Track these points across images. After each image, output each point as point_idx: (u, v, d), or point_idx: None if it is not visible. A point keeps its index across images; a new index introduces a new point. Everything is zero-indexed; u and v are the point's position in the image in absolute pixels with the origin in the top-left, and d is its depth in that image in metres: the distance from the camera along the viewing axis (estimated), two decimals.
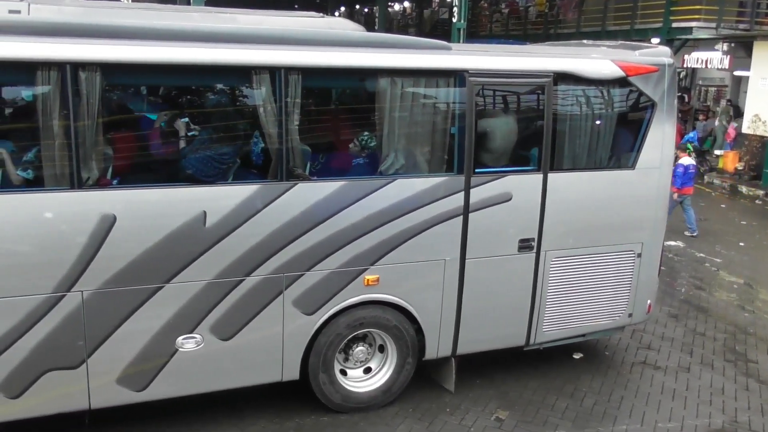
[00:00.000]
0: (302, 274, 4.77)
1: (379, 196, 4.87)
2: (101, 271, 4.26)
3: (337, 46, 4.75)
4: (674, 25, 19.55)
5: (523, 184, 5.34)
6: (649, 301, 6.05)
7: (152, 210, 4.38)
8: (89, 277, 4.24)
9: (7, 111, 4.64)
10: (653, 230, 5.91)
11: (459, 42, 17.86)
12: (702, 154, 17.53)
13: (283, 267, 4.69)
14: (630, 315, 5.98)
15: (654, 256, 5.96)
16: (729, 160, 17.08)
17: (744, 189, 15.68)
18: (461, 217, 5.13)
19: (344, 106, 5.81)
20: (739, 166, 16.77)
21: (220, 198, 4.52)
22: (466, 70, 5.02)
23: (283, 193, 4.62)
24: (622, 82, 5.53)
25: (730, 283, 9.15)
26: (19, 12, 4.34)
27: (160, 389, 4.62)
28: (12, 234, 4.09)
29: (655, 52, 5.79)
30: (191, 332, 4.58)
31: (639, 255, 5.83)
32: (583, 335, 6.01)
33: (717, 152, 18.11)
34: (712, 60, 19.63)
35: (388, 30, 31.40)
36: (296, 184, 4.65)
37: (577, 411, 5.53)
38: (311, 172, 4.92)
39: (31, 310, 4.17)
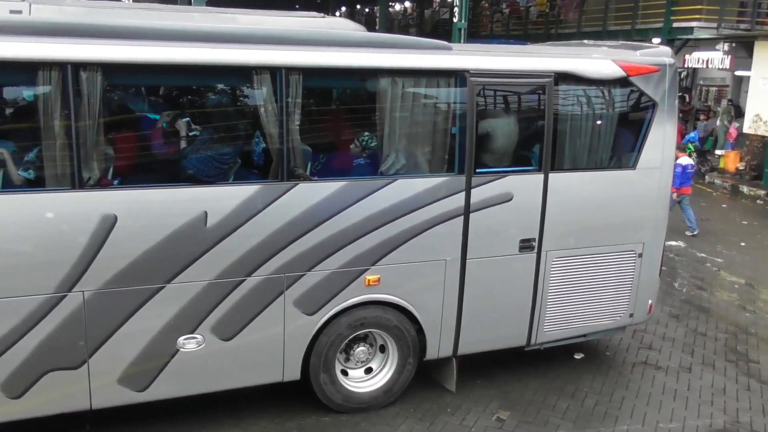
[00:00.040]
0: (303, 275, 4.77)
1: (380, 196, 4.87)
2: (102, 271, 4.26)
3: (338, 46, 4.75)
4: (675, 25, 19.55)
5: (524, 184, 5.34)
6: (650, 301, 6.05)
7: (153, 210, 4.38)
8: (90, 277, 4.24)
9: (9, 111, 4.64)
10: (654, 230, 5.90)
11: (460, 42, 17.86)
12: (703, 154, 17.52)
13: (284, 267, 4.69)
14: (631, 315, 5.98)
15: (655, 256, 5.96)
16: (730, 160, 17.07)
17: (745, 189, 15.67)
18: (462, 217, 5.13)
19: (345, 106, 5.81)
20: (740, 166, 16.76)
21: (221, 198, 4.52)
22: (467, 70, 5.02)
23: (284, 194, 4.62)
24: (623, 82, 5.53)
25: (731, 283, 9.14)
26: (20, 12, 4.35)
27: (162, 389, 4.62)
28: (13, 234, 4.10)
29: (656, 52, 5.79)
30: (192, 332, 4.58)
31: (640, 255, 5.82)
32: (584, 335, 6.01)
33: (718, 152, 18.10)
34: (713, 60, 19.62)
35: (389, 30, 31.41)
36: (297, 184, 4.66)
37: (578, 411, 5.52)
38: (312, 172, 4.92)
39: (32, 311, 4.18)
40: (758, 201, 14.86)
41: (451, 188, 5.07)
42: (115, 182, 4.49)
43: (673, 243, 10.44)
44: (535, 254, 5.45)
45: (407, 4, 42.93)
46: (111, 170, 4.49)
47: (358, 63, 4.78)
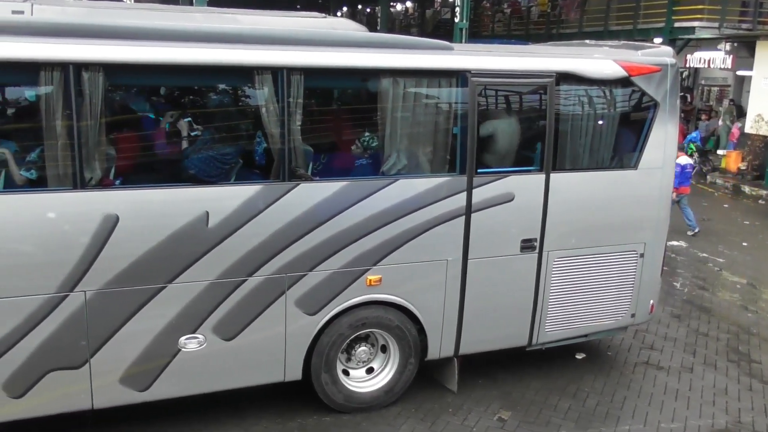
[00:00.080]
0: (305, 275, 4.77)
1: (382, 196, 4.87)
2: (104, 271, 4.27)
3: (340, 46, 4.76)
4: (677, 24, 19.54)
5: (525, 185, 5.33)
6: (651, 302, 6.04)
7: (155, 210, 4.38)
8: (92, 277, 4.24)
9: (11, 111, 4.65)
10: (656, 230, 5.90)
11: (461, 42, 17.86)
12: (705, 153, 17.50)
13: (285, 267, 4.69)
14: (633, 315, 5.97)
15: (657, 257, 5.95)
16: (732, 160, 17.05)
17: (747, 189, 15.64)
18: (463, 217, 5.13)
19: (346, 106, 5.82)
20: (742, 166, 16.74)
21: (223, 198, 4.53)
22: (469, 71, 5.01)
23: (286, 194, 4.62)
24: (624, 82, 5.52)
25: (733, 283, 9.13)
26: (22, 12, 4.35)
27: (163, 389, 4.62)
28: (15, 234, 4.10)
29: (658, 52, 5.78)
30: (194, 332, 4.58)
31: (642, 255, 5.82)
32: (586, 335, 6.01)
33: (720, 152, 18.08)
34: (715, 60, 19.61)
35: (391, 30, 31.43)
36: (298, 184, 4.66)
37: (579, 411, 5.52)
38: (313, 172, 4.92)
39: (34, 310, 4.18)
40: (760, 201, 14.83)
41: (453, 188, 5.07)
42: (117, 182, 4.50)
43: (675, 243, 10.44)
44: (537, 254, 5.45)
45: (408, 4, 42.93)
46: (113, 170, 4.50)
47: (359, 63, 4.78)
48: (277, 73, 4.50)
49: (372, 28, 25.92)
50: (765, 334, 7.34)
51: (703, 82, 23.30)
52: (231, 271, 4.57)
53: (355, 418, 5.20)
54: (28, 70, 4.09)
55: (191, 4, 16.09)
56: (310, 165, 4.92)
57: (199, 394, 4.82)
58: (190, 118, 4.80)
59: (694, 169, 16.71)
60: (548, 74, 5.27)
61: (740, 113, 18.65)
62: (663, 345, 6.83)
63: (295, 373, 4.98)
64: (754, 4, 19.41)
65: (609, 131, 5.66)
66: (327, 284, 4.86)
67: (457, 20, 19.85)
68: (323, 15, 5.61)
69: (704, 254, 10.24)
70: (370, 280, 4.96)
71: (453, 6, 21.09)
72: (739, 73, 19.64)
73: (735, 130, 17.74)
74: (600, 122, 5.62)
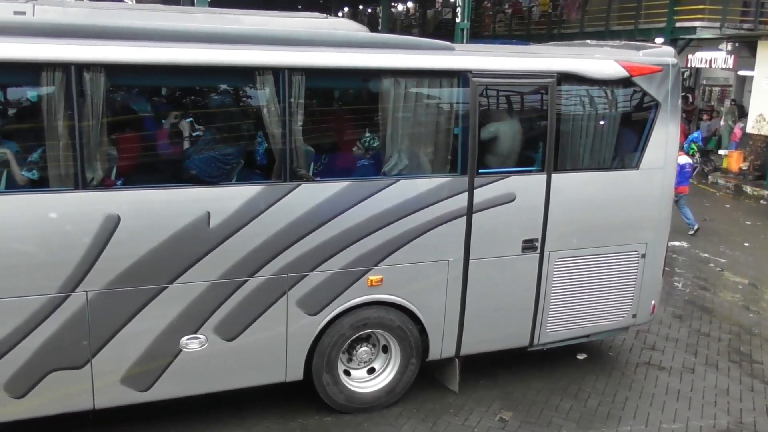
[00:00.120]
0: (306, 275, 4.77)
1: (383, 196, 4.87)
2: (106, 271, 4.27)
3: (341, 46, 4.76)
4: (678, 24, 19.52)
5: (526, 185, 5.33)
6: (653, 302, 6.04)
7: (156, 210, 4.39)
8: (94, 277, 4.25)
9: (12, 112, 4.66)
10: (657, 230, 5.90)
11: (462, 42, 17.85)
12: (706, 154, 17.48)
13: (286, 267, 4.70)
14: (634, 315, 5.97)
15: (658, 257, 5.95)
16: (733, 160, 17.03)
17: (748, 189, 15.62)
18: (465, 217, 5.13)
19: (348, 106, 5.82)
20: (744, 166, 16.72)
21: (224, 198, 4.53)
22: (470, 71, 5.01)
23: (287, 194, 4.62)
24: (625, 82, 5.52)
25: (734, 283, 9.12)
26: (24, 13, 4.36)
27: (164, 389, 4.63)
28: (17, 234, 4.11)
29: (659, 52, 5.78)
30: (195, 332, 4.59)
31: (643, 255, 5.81)
32: (587, 336, 6.00)
33: (722, 152, 18.06)
34: (716, 60, 19.59)
35: (392, 30, 31.45)
36: (300, 184, 4.66)
37: (581, 412, 5.52)
38: (315, 172, 4.92)
39: (35, 311, 4.19)
40: (762, 201, 14.81)
41: (454, 189, 5.07)
42: (119, 182, 4.50)
43: (676, 243, 10.43)
44: (538, 255, 5.44)
45: (410, 4, 42.95)
46: (114, 170, 4.50)
47: (360, 63, 4.78)
48: (278, 73, 4.51)
49: (373, 28, 25.93)
50: (767, 334, 7.33)
51: (704, 82, 23.28)
52: (232, 272, 4.57)
53: (357, 418, 5.21)
54: (29, 71, 4.10)
55: (193, 4, 16.11)
56: (312, 165, 4.92)
57: (201, 394, 4.82)
58: (191, 119, 4.80)
59: (695, 170, 16.74)
60: (549, 74, 5.27)
61: (742, 113, 18.62)
62: (664, 345, 6.82)
63: (296, 374, 4.98)
64: (755, 4, 19.39)
65: (610, 131, 5.66)
66: (328, 284, 4.86)
67: (458, 20, 19.84)
68: (324, 15, 5.61)
69: (706, 254, 10.23)
70: (372, 281, 4.96)
71: (454, 6, 21.08)
72: (741, 73, 19.61)
73: (737, 131, 17.71)
74: (601, 122, 5.62)
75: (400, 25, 40.34)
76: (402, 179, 4.96)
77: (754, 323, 7.62)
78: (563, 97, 5.40)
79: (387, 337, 5.26)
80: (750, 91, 17.50)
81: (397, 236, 4.94)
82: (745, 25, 19.07)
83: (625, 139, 5.75)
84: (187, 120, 4.79)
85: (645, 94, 5.62)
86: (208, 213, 4.44)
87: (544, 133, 5.34)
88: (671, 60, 5.67)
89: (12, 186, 4.21)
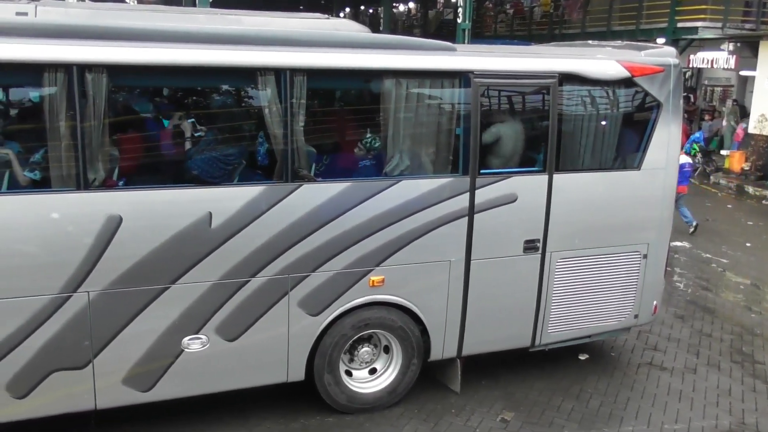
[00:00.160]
0: (307, 275, 4.77)
1: (384, 197, 4.87)
2: (107, 271, 4.28)
3: (342, 47, 4.76)
4: (679, 25, 19.51)
5: (528, 185, 5.33)
6: (655, 302, 6.03)
7: (158, 211, 4.39)
8: (95, 277, 4.25)
9: (14, 112, 4.67)
10: (659, 231, 5.89)
11: (464, 43, 17.86)
12: (708, 154, 17.46)
13: (288, 268, 4.70)
14: (636, 316, 5.96)
15: (660, 257, 5.94)
16: (735, 160, 17.01)
17: (750, 189, 15.60)
18: (466, 218, 5.13)
19: (349, 107, 5.82)
20: (746, 166, 16.70)
21: (226, 199, 4.53)
22: (471, 71, 5.01)
23: (289, 194, 4.62)
24: (627, 82, 5.52)
25: (736, 283, 9.11)
26: (26, 14, 4.37)
27: (166, 390, 4.63)
28: (19, 235, 4.11)
29: (661, 53, 5.77)
30: (197, 333, 4.59)
31: (645, 256, 5.81)
32: (589, 336, 6.00)
33: (724, 152, 18.05)
34: (718, 60, 19.56)
35: (393, 31, 31.46)
36: (301, 185, 4.66)
37: (582, 412, 5.51)
38: (316, 173, 4.93)
39: (37, 311, 4.19)
40: (764, 201, 14.79)
41: (456, 189, 5.07)
42: (120, 183, 4.51)
43: (678, 243, 10.41)
44: (540, 255, 5.44)
45: (411, 4, 42.95)
46: (116, 171, 4.51)
47: (362, 64, 4.78)
48: (280, 74, 4.51)
49: (375, 28, 25.94)
50: None
51: (706, 82, 23.25)
52: (234, 272, 4.57)
53: (358, 418, 5.21)
54: (32, 72, 4.10)
55: (194, 5, 16.13)
56: (313, 166, 4.92)
57: (202, 394, 4.83)
58: (193, 119, 4.81)
59: (697, 170, 16.72)
60: (551, 75, 5.27)
61: (743, 113, 18.60)
62: (666, 346, 6.82)
63: (298, 374, 4.98)
64: (757, 4, 19.36)
65: (612, 132, 5.65)
66: (330, 285, 4.86)
67: (459, 21, 19.85)
68: (326, 16, 5.62)
69: (707, 255, 10.22)
70: (373, 281, 4.96)
71: (456, 7, 21.09)
72: (743, 73, 19.59)
73: (740, 131, 17.69)
74: (603, 123, 5.61)
75: (401, 25, 40.35)
76: (403, 180, 4.96)
77: (756, 324, 7.61)
78: (565, 98, 5.40)
79: (388, 337, 5.26)
80: (752, 92, 17.49)
81: (398, 237, 4.94)
82: (747, 26, 19.05)
83: (626, 139, 5.74)
84: (189, 120, 4.80)
85: (647, 94, 5.62)
86: (210, 213, 4.44)
87: (546, 134, 5.34)
88: (673, 60, 5.66)
89: (14, 186, 4.22)
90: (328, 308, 4.90)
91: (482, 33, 29.76)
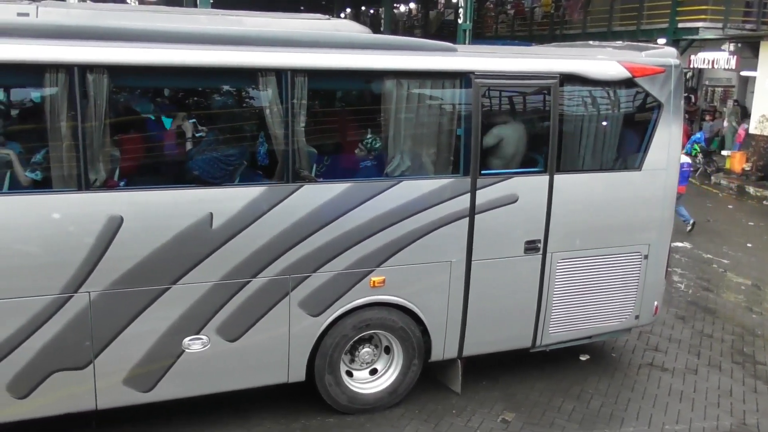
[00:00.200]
0: (308, 276, 4.77)
1: (385, 197, 4.87)
2: (108, 272, 4.28)
3: (343, 48, 4.76)
4: (680, 25, 19.51)
5: (529, 186, 5.33)
6: (656, 303, 6.03)
7: (159, 211, 4.39)
8: (96, 278, 4.26)
9: (16, 113, 4.67)
10: (660, 231, 5.89)
11: (464, 43, 17.86)
12: (709, 154, 17.45)
13: (289, 268, 4.70)
14: (637, 317, 5.96)
15: (661, 258, 5.94)
16: (736, 160, 16.99)
17: (751, 190, 15.59)
18: (467, 218, 5.13)
19: (350, 107, 5.82)
20: (747, 166, 16.69)
21: (227, 199, 4.53)
22: (472, 72, 5.01)
23: (290, 195, 4.62)
24: (628, 83, 5.52)
25: (737, 284, 9.10)
26: (27, 15, 4.38)
27: (167, 390, 4.63)
28: (20, 235, 4.12)
29: (662, 53, 5.77)
30: (198, 333, 4.59)
31: (646, 256, 5.81)
32: (590, 337, 6.00)
33: (725, 153, 18.04)
34: (719, 60, 19.55)
35: (394, 31, 31.47)
36: (302, 185, 4.66)
37: (583, 413, 5.51)
38: (317, 173, 4.93)
39: (38, 311, 4.19)
40: (765, 202, 14.79)
41: (457, 190, 5.07)
42: (121, 184, 4.51)
43: (679, 244, 10.41)
44: (541, 256, 5.44)
45: (412, 5, 42.96)
46: (117, 172, 4.51)
47: (363, 65, 4.78)
48: (281, 74, 4.51)
49: (375, 29, 25.95)
50: None
51: (707, 82, 23.24)
52: (235, 273, 4.58)
53: (359, 419, 5.21)
54: (33, 72, 4.10)
55: (195, 6, 16.14)
56: (314, 166, 4.92)
57: (203, 395, 4.83)
58: (194, 120, 4.81)
59: (698, 171, 16.72)
60: (552, 75, 5.27)
61: (744, 114, 18.59)
62: (667, 346, 6.81)
63: (298, 375, 4.98)
64: (758, 4, 19.36)
65: (613, 132, 5.65)
66: (331, 286, 4.86)
67: (460, 21, 19.87)
68: (327, 17, 5.62)
69: (708, 255, 10.21)
70: (374, 282, 4.96)
71: (456, 7, 21.10)
72: (744, 73, 19.58)
73: (741, 132, 17.67)
74: (604, 123, 5.61)
75: (402, 26, 40.36)
76: (404, 180, 4.96)
77: (757, 324, 7.60)
78: (566, 98, 5.40)
79: (389, 338, 5.26)
80: (753, 92, 17.48)
81: (399, 237, 4.94)
82: (748, 26, 19.05)
83: (627, 140, 5.74)
84: (190, 121, 4.80)
85: (647, 95, 5.62)
86: (211, 214, 4.45)
87: (547, 134, 5.34)
88: (674, 61, 5.66)
89: (15, 187, 4.22)
90: (329, 309, 4.90)
91: (483, 34, 29.77)
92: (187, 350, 4.59)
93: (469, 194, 5.10)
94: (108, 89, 4.16)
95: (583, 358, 6.43)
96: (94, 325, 4.33)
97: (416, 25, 40.12)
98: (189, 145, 4.80)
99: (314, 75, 4.62)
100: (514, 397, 5.67)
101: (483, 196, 5.13)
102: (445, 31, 30.76)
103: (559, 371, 6.12)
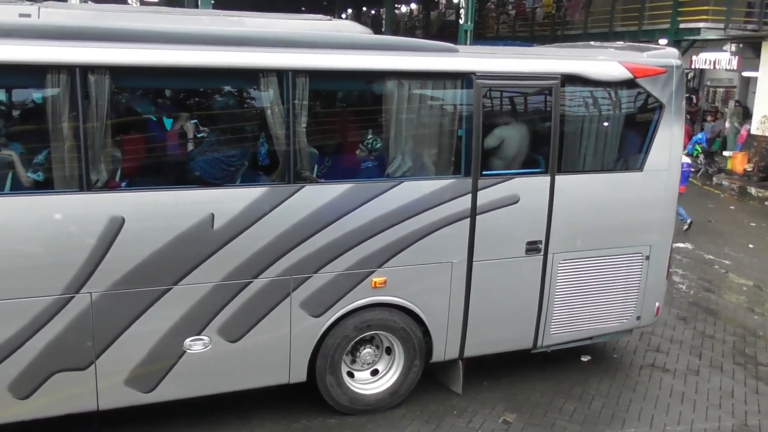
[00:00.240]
0: (310, 277, 4.78)
1: (387, 198, 4.87)
2: (110, 272, 4.28)
3: (345, 48, 4.76)
4: (682, 26, 19.49)
5: (530, 187, 5.33)
6: (657, 304, 6.02)
7: (161, 212, 4.39)
8: (98, 278, 4.26)
9: (18, 113, 4.68)
10: (661, 232, 5.88)
11: (466, 44, 17.86)
12: (710, 155, 17.44)
13: (290, 269, 4.70)
14: (638, 318, 5.95)
15: (662, 259, 5.93)
16: (737, 161, 16.99)
17: (753, 190, 15.58)
18: (468, 219, 5.13)
19: (351, 108, 5.82)
20: (748, 167, 16.68)
21: (228, 200, 4.54)
22: (474, 73, 5.01)
23: (291, 196, 4.62)
24: (629, 83, 5.51)
25: (739, 285, 9.09)
26: (29, 16, 4.38)
27: (168, 391, 4.63)
28: (22, 235, 4.12)
29: (663, 54, 5.77)
30: (199, 334, 4.59)
31: (647, 257, 5.80)
32: (591, 338, 5.99)
33: (726, 153, 18.03)
34: (720, 61, 19.55)
35: (395, 32, 31.48)
36: (304, 186, 4.66)
37: (585, 414, 5.50)
38: (319, 174, 4.93)
39: (40, 312, 4.20)
40: (766, 203, 14.77)
41: (458, 190, 5.07)
42: (123, 184, 4.52)
43: (681, 245, 10.40)
44: (542, 256, 5.43)
45: (413, 6, 42.97)
46: (119, 172, 4.51)
47: (364, 65, 4.79)
48: (282, 75, 4.51)
49: (377, 29, 25.95)
50: None
51: (708, 83, 23.24)
52: (236, 273, 4.58)
53: (360, 420, 5.20)
54: (35, 73, 4.11)
55: (196, 6, 16.15)
56: (316, 167, 4.92)
57: (204, 395, 4.83)
58: (195, 121, 4.82)
59: (700, 171, 16.70)
60: (553, 76, 5.27)
61: (746, 114, 18.58)
62: (669, 347, 6.80)
63: (299, 375, 4.98)
64: (759, 4, 19.33)
65: (614, 133, 5.65)
66: (332, 286, 4.86)
67: (461, 22, 19.87)
68: (328, 17, 5.62)
69: (710, 256, 10.20)
70: (375, 282, 4.96)
71: (458, 8, 21.11)
72: (745, 74, 19.58)
73: (744, 132, 17.66)
74: (605, 124, 5.61)
75: (403, 26, 40.37)
76: (406, 181, 4.96)
77: (759, 325, 7.59)
78: (567, 99, 5.40)
79: (390, 338, 5.26)
80: (754, 92, 17.48)
81: (400, 238, 4.94)
82: (749, 26, 19.02)
83: (629, 140, 5.74)
84: (192, 122, 4.80)
85: (649, 95, 5.62)
86: (212, 215, 4.45)
87: (548, 135, 5.34)
88: (675, 61, 5.66)
89: (17, 187, 4.23)
90: (330, 309, 4.90)
91: (484, 34, 29.77)
92: (188, 351, 4.59)
93: (470, 195, 5.09)
94: (109, 90, 4.16)
95: (584, 359, 6.43)
96: (96, 326, 4.33)
97: (417, 25, 40.13)
98: (190, 146, 4.80)
99: (315, 76, 4.63)
100: (515, 397, 5.67)
101: (484, 196, 5.13)
102: (447, 32, 30.75)
103: (560, 372, 6.11)
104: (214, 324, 4.61)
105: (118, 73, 4.21)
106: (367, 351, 5.28)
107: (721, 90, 22.59)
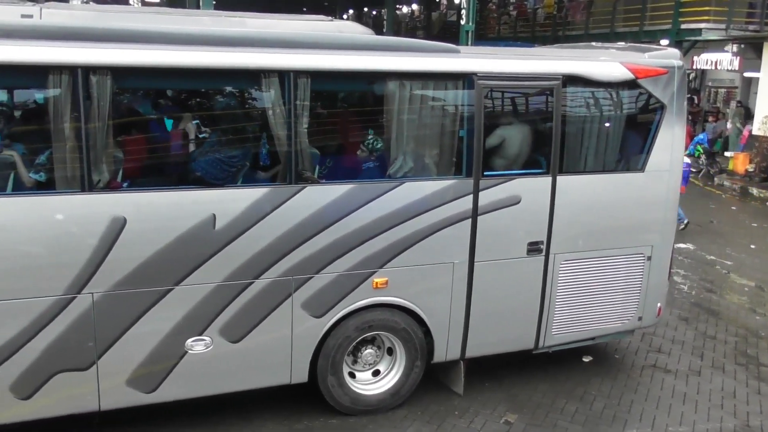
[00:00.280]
0: (311, 277, 4.78)
1: (388, 199, 4.87)
2: (111, 273, 4.29)
3: (346, 49, 4.76)
4: (683, 26, 19.49)
5: (532, 187, 5.32)
6: (659, 304, 6.02)
7: (162, 213, 4.40)
8: (99, 279, 4.26)
9: (20, 114, 4.69)
10: (663, 233, 5.88)
11: (467, 44, 17.86)
12: (712, 155, 17.44)
13: (292, 270, 4.70)
14: (640, 318, 5.95)
15: (664, 259, 5.93)
16: (739, 161, 16.98)
17: (755, 191, 15.57)
18: (470, 220, 5.12)
19: (353, 109, 5.83)
20: (750, 167, 16.67)
21: (230, 201, 4.54)
22: (475, 73, 5.01)
23: (292, 196, 4.63)
24: (631, 84, 5.51)
25: (741, 285, 9.08)
26: (31, 16, 4.39)
27: (170, 391, 4.64)
28: (23, 236, 4.12)
29: (665, 54, 5.77)
30: (200, 334, 4.59)
31: (649, 258, 5.80)
32: (593, 339, 5.99)
33: (728, 154, 18.01)
34: (722, 61, 19.54)
35: (396, 33, 31.49)
36: (305, 187, 4.67)
37: (586, 414, 5.50)
38: (320, 175, 4.93)
39: (41, 312, 4.20)
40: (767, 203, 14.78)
41: (459, 191, 5.07)
42: (125, 185, 4.52)
43: (682, 245, 10.39)
44: (543, 257, 5.43)
45: (414, 6, 42.99)
46: (120, 173, 4.52)
47: (365, 66, 4.79)
48: (283, 76, 4.52)
49: (378, 30, 25.95)
50: None
51: (710, 83, 23.22)
52: (238, 274, 4.58)
53: (362, 420, 5.20)
54: (36, 74, 4.12)
55: (198, 7, 16.18)
56: (317, 168, 4.93)
57: (206, 396, 4.83)
58: (197, 121, 4.82)
59: (702, 172, 16.69)
60: (555, 77, 5.27)
61: (748, 115, 18.56)
62: (670, 348, 6.80)
63: (301, 376, 4.98)
64: (761, 5, 19.32)
65: (615, 134, 5.65)
66: (333, 287, 4.86)
67: (463, 22, 19.87)
68: (330, 18, 5.63)
69: (712, 257, 10.19)
70: (377, 283, 4.96)
71: (459, 8, 21.13)
72: (747, 74, 19.56)
73: (746, 133, 17.64)
74: (606, 125, 5.61)
75: (404, 27, 40.39)
76: (407, 182, 4.96)
77: (761, 326, 7.58)
78: (568, 100, 5.40)
79: (392, 339, 5.26)
80: (756, 93, 17.47)
81: (402, 238, 4.94)
82: (751, 27, 19.01)
83: (630, 141, 5.74)
84: (193, 122, 4.81)
85: (650, 96, 5.61)
86: (214, 215, 4.45)
87: (550, 136, 5.33)
88: (677, 62, 5.66)
89: (19, 188, 4.23)
90: (332, 310, 4.90)
91: (485, 35, 29.77)
92: (190, 351, 4.59)
93: (471, 196, 5.09)
94: (111, 90, 4.16)
95: (586, 359, 6.42)
96: (98, 326, 4.33)
97: (419, 26, 40.16)
98: (192, 147, 4.81)
99: (317, 76, 4.63)
100: (516, 398, 5.67)
101: (486, 197, 5.13)
102: (448, 33, 30.76)
103: (562, 373, 6.11)
104: (215, 324, 4.61)
105: (119, 73, 4.22)
106: (368, 351, 5.28)
107: (723, 91, 22.58)
